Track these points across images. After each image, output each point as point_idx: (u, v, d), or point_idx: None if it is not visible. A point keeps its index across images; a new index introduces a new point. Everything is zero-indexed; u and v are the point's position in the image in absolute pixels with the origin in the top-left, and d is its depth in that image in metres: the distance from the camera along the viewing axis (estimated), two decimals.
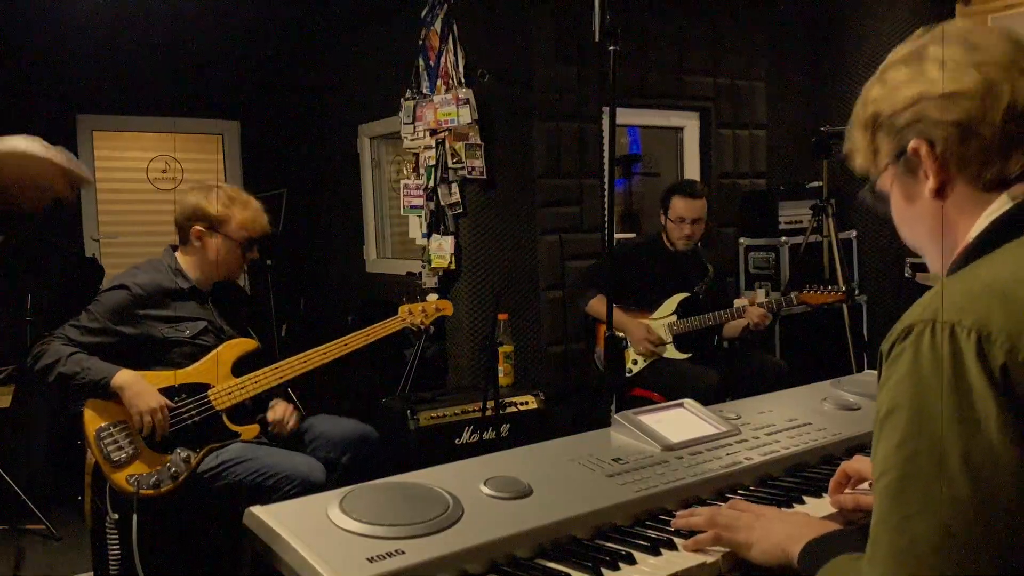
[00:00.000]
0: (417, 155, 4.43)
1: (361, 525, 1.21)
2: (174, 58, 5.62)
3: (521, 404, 3.64)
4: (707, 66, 4.78)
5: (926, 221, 1.04)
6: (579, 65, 4.30)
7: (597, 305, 3.80)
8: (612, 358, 2.71)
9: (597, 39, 2.38)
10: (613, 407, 2.77)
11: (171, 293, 2.67)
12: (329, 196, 5.88)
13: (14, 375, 4.19)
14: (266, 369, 2.68)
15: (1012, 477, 0.82)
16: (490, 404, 3.40)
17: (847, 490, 1.46)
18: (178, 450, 2.52)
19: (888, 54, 1.08)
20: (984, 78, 0.97)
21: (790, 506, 1.46)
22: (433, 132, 4.24)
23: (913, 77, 1.02)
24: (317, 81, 5.81)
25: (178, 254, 2.77)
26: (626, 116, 4.60)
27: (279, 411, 2.72)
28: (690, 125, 4.92)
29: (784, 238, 4.61)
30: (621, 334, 3.63)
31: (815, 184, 4.58)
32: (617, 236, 4.07)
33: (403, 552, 1.16)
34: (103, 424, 2.49)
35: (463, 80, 4.09)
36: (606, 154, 2.58)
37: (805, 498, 1.49)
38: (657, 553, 1.27)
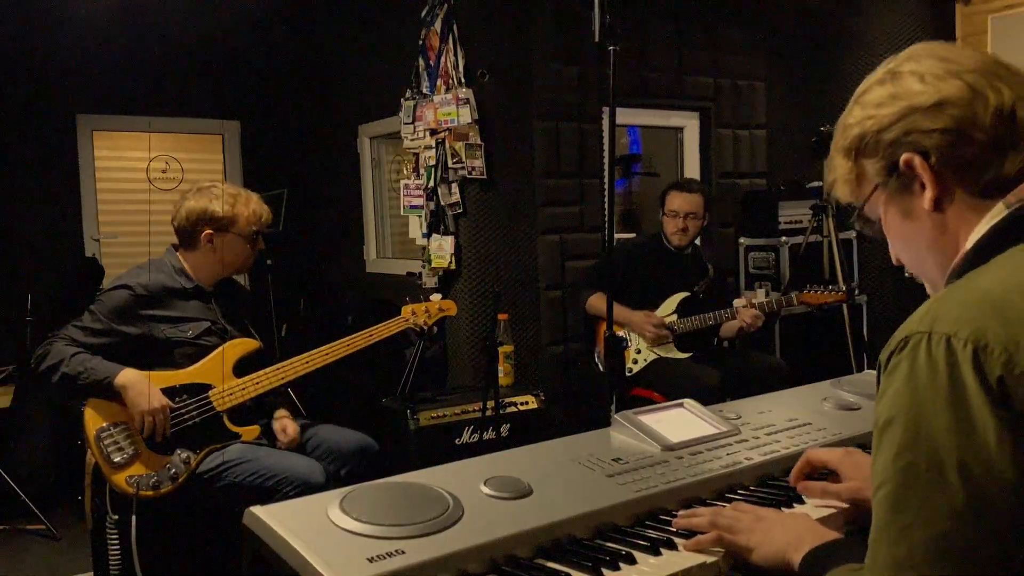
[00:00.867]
0: (417, 155, 4.43)
1: (361, 525, 1.21)
2: (174, 58, 5.62)
3: (521, 404, 3.64)
4: (707, 66, 4.78)
5: (926, 234, 1.04)
6: (579, 65, 4.30)
7: (596, 302, 3.80)
8: (612, 358, 2.71)
9: (597, 39, 2.39)
10: (613, 407, 2.77)
11: (174, 293, 2.67)
12: (329, 196, 5.88)
13: (14, 375, 4.19)
14: (268, 370, 2.68)
15: (1009, 487, 0.83)
16: (490, 404, 3.40)
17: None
18: (178, 451, 2.52)
19: (888, 54, 1.09)
20: (967, 84, 0.98)
21: (790, 506, 1.46)
22: (433, 132, 4.24)
23: (895, 94, 1.02)
24: (317, 81, 5.81)
25: (180, 254, 2.77)
26: (626, 116, 4.60)
27: (290, 432, 2.71)
28: (690, 125, 4.92)
29: (784, 238, 4.61)
30: (622, 333, 3.64)
31: (815, 184, 4.58)
32: (617, 236, 4.07)
33: (403, 552, 1.16)
34: (103, 425, 2.49)
35: (463, 80, 4.09)
36: (606, 154, 2.58)
37: (806, 499, 1.49)
38: (657, 553, 1.27)
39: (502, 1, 4.16)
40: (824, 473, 1.49)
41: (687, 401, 1.82)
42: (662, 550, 1.28)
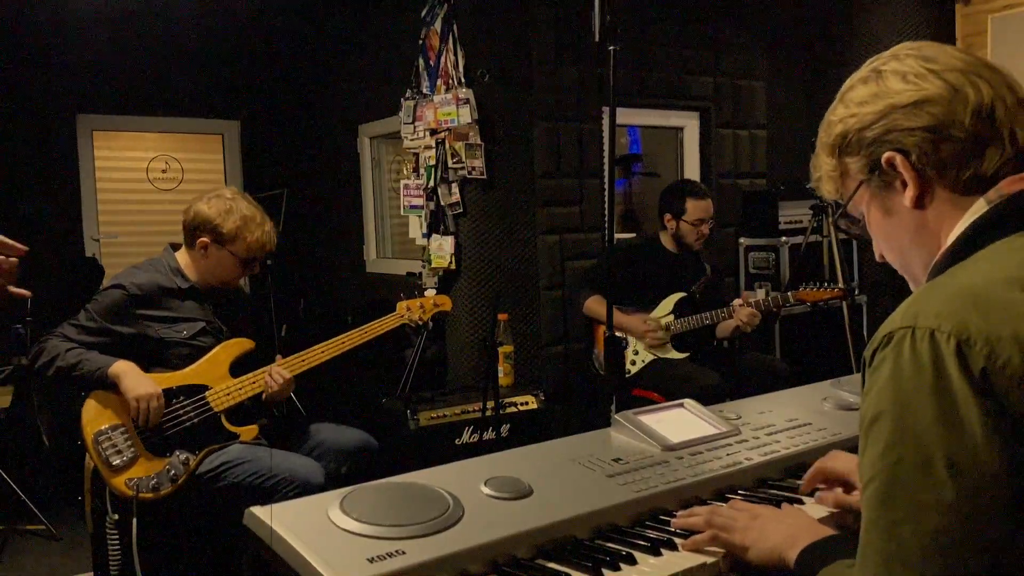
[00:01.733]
0: (417, 155, 4.43)
1: (361, 525, 1.21)
2: (174, 58, 5.62)
3: (521, 404, 3.64)
4: (707, 66, 4.78)
5: (908, 231, 1.05)
6: (579, 65, 4.30)
7: (593, 305, 3.80)
8: (612, 358, 2.71)
9: (597, 39, 2.38)
10: (613, 407, 2.77)
11: (169, 292, 2.67)
12: (329, 196, 5.88)
13: (14, 375, 4.19)
14: (264, 369, 2.68)
15: (997, 480, 0.83)
16: (490, 404, 3.40)
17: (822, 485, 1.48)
18: (177, 452, 2.51)
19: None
20: (947, 83, 1.00)
21: (790, 505, 1.46)
22: (433, 132, 4.24)
23: (877, 92, 1.04)
24: (317, 81, 5.81)
25: (179, 253, 2.77)
26: (626, 116, 4.60)
27: (276, 378, 2.65)
28: (690, 125, 4.92)
29: (784, 238, 4.61)
30: (621, 334, 3.63)
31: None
32: (617, 236, 4.07)
33: (403, 552, 1.16)
34: (101, 428, 2.49)
35: (463, 80, 4.09)
36: (606, 154, 2.58)
37: (804, 499, 1.49)
38: (657, 553, 1.27)
39: (502, 1, 4.15)
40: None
41: (687, 401, 1.82)
42: (662, 550, 1.28)
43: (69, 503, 3.63)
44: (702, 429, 1.71)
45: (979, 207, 0.99)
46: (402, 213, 4.60)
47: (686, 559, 1.26)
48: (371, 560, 1.14)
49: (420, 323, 2.92)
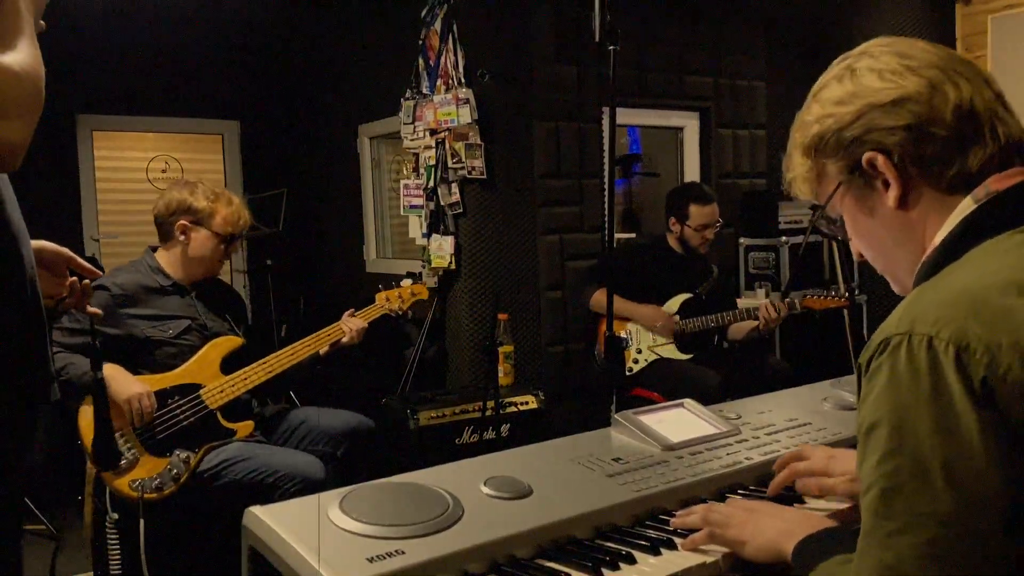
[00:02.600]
0: (417, 155, 4.43)
1: (361, 525, 1.21)
2: (174, 58, 5.62)
3: (521, 404, 3.64)
4: (707, 66, 4.78)
5: (891, 232, 1.03)
6: (579, 65, 4.30)
7: (600, 298, 3.78)
8: (612, 358, 2.71)
9: (597, 39, 2.38)
10: (613, 407, 2.77)
11: (152, 291, 2.69)
12: (329, 196, 5.88)
13: None
14: (254, 365, 2.70)
15: (995, 490, 0.82)
16: (490, 404, 3.40)
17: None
18: (177, 452, 2.52)
19: None
20: (926, 80, 0.98)
21: (790, 505, 1.45)
22: (433, 132, 4.24)
23: (854, 92, 1.02)
24: (317, 81, 5.81)
25: (158, 253, 2.79)
26: (626, 116, 4.60)
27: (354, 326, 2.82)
28: (690, 125, 4.92)
29: (784, 238, 4.61)
30: (623, 333, 3.64)
31: None
32: (617, 236, 4.07)
33: (403, 552, 1.16)
34: None
35: (463, 80, 4.09)
36: (606, 154, 2.58)
37: (805, 498, 1.49)
38: (657, 553, 1.27)
39: (502, 1, 4.16)
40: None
41: (687, 401, 1.82)
42: (662, 550, 1.28)
43: (69, 503, 3.63)
44: (702, 429, 1.71)
45: (966, 206, 0.97)
46: (402, 213, 4.60)
47: (686, 559, 1.26)
48: (371, 560, 1.14)
49: (400, 312, 2.95)
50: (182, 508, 2.56)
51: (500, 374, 3.77)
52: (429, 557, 1.16)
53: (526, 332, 4.26)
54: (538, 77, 4.22)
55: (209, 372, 2.65)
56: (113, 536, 2.53)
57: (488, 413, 3.43)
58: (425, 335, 4.19)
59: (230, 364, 2.69)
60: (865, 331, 4.59)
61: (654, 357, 3.74)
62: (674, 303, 3.76)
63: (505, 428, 3.57)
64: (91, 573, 2.76)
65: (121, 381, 2.49)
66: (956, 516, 0.82)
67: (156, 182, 6.09)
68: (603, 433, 1.69)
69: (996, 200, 0.96)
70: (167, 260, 2.76)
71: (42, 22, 1.14)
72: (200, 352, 2.66)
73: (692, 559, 1.25)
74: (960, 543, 0.83)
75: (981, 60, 5.10)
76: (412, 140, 4.40)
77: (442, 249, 4.25)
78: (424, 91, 4.35)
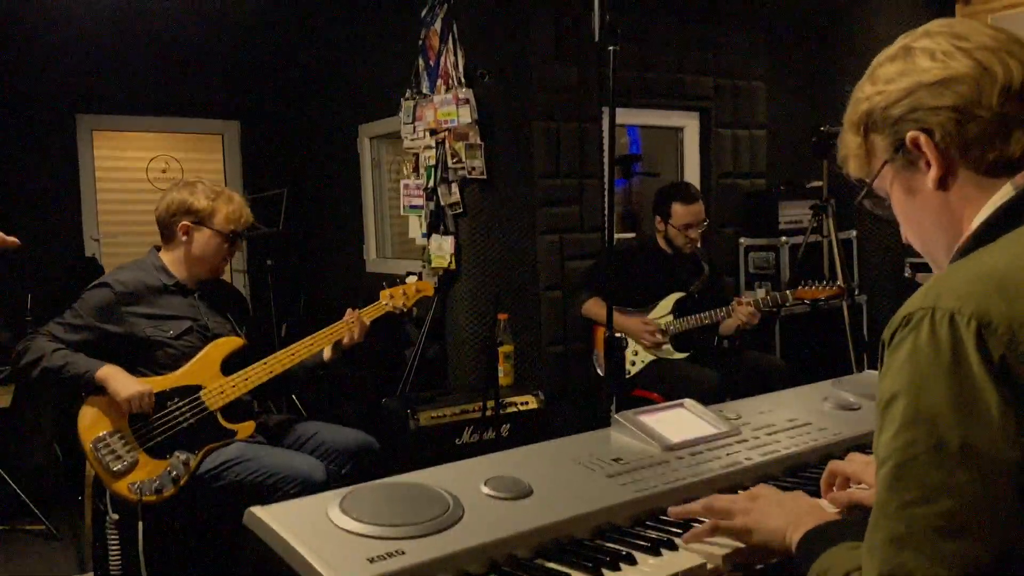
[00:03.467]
0: (417, 155, 4.43)
1: (361, 525, 1.21)
2: (174, 58, 5.62)
3: (521, 404, 3.64)
4: (707, 66, 4.78)
5: (931, 213, 1.03)
6: (579, 65, 4.30)
7: (592, 307, 3.80)
8: (612, 358, 2.71)
9: (597, 39, 2.38)
10: (613, 407, 2.77)
11: (155, 290, 2.68)
12: (329, 196, 5.88)
13: (14, 375, 4.19)
14: (255, 365, 2.69)
15: (1010, 465, 0.82)
16: (490, 404, 3.40)
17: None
18: (177, 453, 2.51)
19: None
20: (975, 62, 0.97)
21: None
22: (433, 132, 4.24)
23: (904, 70, 1.01)
24: (317, 81, 5.81)
25: (162, 253, 2.78)
26: (626, 116, 4.60)
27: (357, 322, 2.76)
28: (690, 125, 4.92)
29: (784, 238, 4.61)
30: (619, 335, 3.64)
31: (815, 184, 4.57)
32: (617, 236, 4.07)
33: (403, 552, 1.16)
34: (99, 435, 2.48)
35: (463, 80, 4.09)
36: (606, 154, 2.58)
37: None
38: (657, 553, 1.27)
39: (502, 1, 4.15)
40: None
41: (687, 401, 1.82)
42: (662, 550, 1.28)
43: (69, 503, 3.64)
44: (702, 429, 1.71)
45: (1006, 191, 0.97)
46: (402, 213, 4.60)
47: (686, 559, 1.26)
48: (371, 560, 1.14)
49: (405, 309, 2.94)
50: (182, 509, 2.56)
51: (500, 374, 3.77)
52: (429, 557, 1.16)
53: (526, 332, 4.26)
54: (538, 77, 4.22)
55: (210, 373, 2.64)
56: (113, 537, 2.52)
57: (488, 413, 3.43)
58: (425, 335, 4.19)
59: (231, 365, 2.68)
60: (865, 331, 4.59)
61: (651, 358, 3.74)
62: (667, 303, 3.77)
63: (505, 428, 3.57)
64: (91, 573, 2.76)
65: (121, 380, 2.49)
66: (970, 490, 0.82)
67: (156, 182, 6.09)
68: (603, 433, 1.69)
69: None
70: (171, 260, 2.75)
71: None
72: (201, 352, 2.66)
73: (693, 559, 1.25)
74: (973, 517, 0.82)
75: None
76: (412, 140, 4.40)
77: (442, 249, 4.25)
78: (424, 91, 4.34)
